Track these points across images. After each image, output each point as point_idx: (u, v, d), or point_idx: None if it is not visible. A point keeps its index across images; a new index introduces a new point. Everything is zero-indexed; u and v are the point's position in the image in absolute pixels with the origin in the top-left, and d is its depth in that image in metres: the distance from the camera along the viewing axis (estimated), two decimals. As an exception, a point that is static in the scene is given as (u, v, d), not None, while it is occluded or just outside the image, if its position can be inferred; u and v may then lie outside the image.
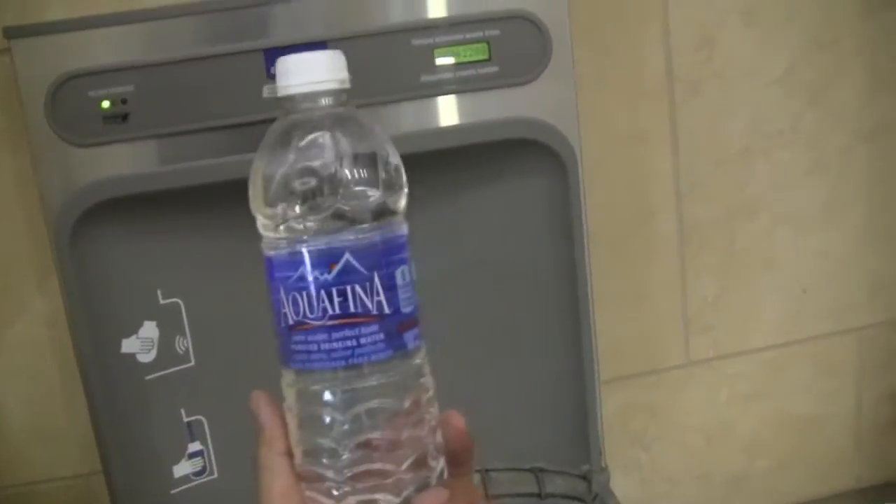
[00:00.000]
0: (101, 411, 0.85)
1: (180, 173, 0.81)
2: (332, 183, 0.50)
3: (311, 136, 0.52)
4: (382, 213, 0.52)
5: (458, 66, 0.83)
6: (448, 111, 0.85)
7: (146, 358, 0.88)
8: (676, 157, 1.05)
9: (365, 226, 0.50)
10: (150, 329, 0.87)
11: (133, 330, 0.87)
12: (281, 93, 0.54)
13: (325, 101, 0.53)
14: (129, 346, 0.87)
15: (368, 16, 0.83)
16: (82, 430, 0.97)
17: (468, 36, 0.83)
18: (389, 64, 0.82)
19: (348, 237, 0.50)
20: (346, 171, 0.51)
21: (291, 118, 0.53)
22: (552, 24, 0.84)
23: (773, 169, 1.08)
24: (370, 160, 0.52)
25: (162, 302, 0.88)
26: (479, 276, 0.93)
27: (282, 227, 0.51)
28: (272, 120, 0.81)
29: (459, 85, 0.84)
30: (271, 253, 0.52)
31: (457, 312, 0.93)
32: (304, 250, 0.50)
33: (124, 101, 0.80)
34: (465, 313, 0.93)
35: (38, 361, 0.98)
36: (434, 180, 0.88)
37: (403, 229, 0.53)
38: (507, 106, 0.85)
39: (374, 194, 0.51)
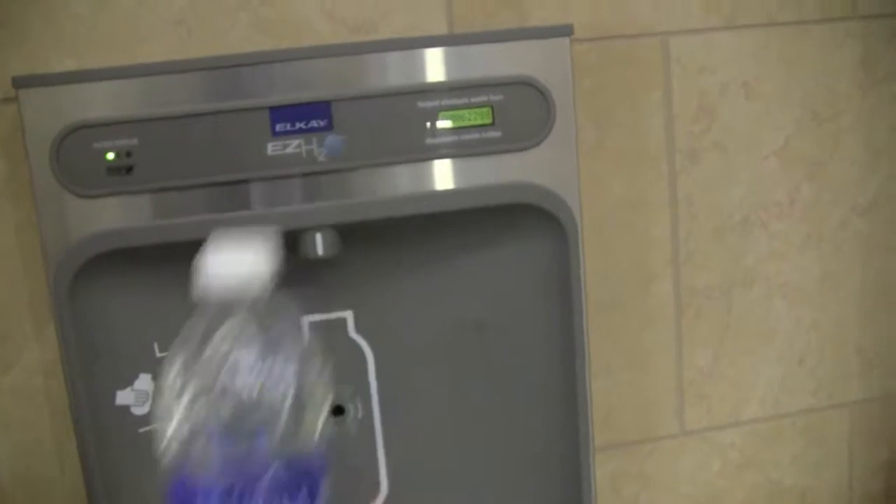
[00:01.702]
0: (93, 461, 0.82)
1: (182, 227, 0.79)
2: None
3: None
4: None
5: (461, 129, 0.82)
6: (450, 174, 0.83)
7: (140, 411, 0.85)
8: (675, 225, 1.03)
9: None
10: (145, 382, 0.85)
11: (128, 382, 0.85)
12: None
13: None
14: (123, 398, 0.85)
15: (374, 76, 0.81)
16: (72, 480, 0.95)
17: (473, 100, 0.82)
18: (394, 125, 0.81)
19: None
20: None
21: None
22: (556, 90, 0.83)
23: (771, 240, 1.06)
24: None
25: (158, 355, 0.86)
26: (474, 340, 0.90)
27: None
28: (276, 178, 0.81)
29: (462, 149, 0.82)
30: None
31: (451, 375, 0.91)
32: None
33: (129, 154, 0.78)
34: (460, 375, 0.91)
35: (31, 410, 0.95)
36: (433, 243, 0.88)
37: None
38: (508, 170, 0.84)
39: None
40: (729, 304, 1.07)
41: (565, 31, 0.84)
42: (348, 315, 0.90)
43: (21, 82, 0.77)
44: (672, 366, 1.07)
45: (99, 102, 0.78)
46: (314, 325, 0.89)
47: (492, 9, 0.95)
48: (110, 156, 0.78)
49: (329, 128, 0.80)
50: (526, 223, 0.86)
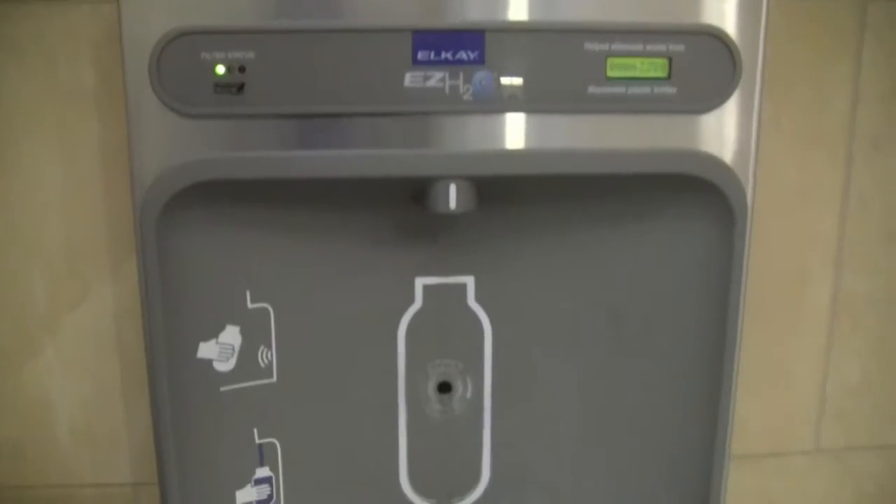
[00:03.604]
0: (166, 418, 0.70)
1: (296, 162, 0.66)
2: None
3: None
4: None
5: (631, 81, 0.68)
6: (611, 131, 0.68)
7: (224, 367, 0.73)
8: (843, 222, 0.88)
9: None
10: (232, 334, 0.72)
11: (213, 333, 0.72)
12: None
13: None
14: (206, 350, 0.72)
15: (537, 8, 0.66)
16: (137, 437, 0.85)
17: (649, 48, 0.67)
18: (554, 68, 0.66)
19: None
20: None
21: None
22: (744, 48, 0.68)
23: (947, 250, 0.91)
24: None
25: (250, 306, 0.73)
26: (607, 325, 0.77)
27: None
28: (410, 114, 0.67)
29: (629, 104, 0.68)
30: None
31: (576, 360, 0.79)
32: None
33: (242, 69, 0.64)
34: (585, 362, 0.78)
35: (97, 356, 0.83)
36: (575, 209, 0.74)
37: None
38: (678, 134, 0.69)
39: None
40: (889, 316, 0.92)
41: (764, -24, 0.68)
42: (469, 281, 0.77)
43: (124, -27, 0.63)
44: (816, 377, 0.93)
45: (212, 6, 0.64)
46: (428, 289, 0.76)
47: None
48: (220, 70, 0.64)
49: (480, 62, 0.66)
50: (687, 199, 0.71)
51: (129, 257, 0.80)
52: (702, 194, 0.70)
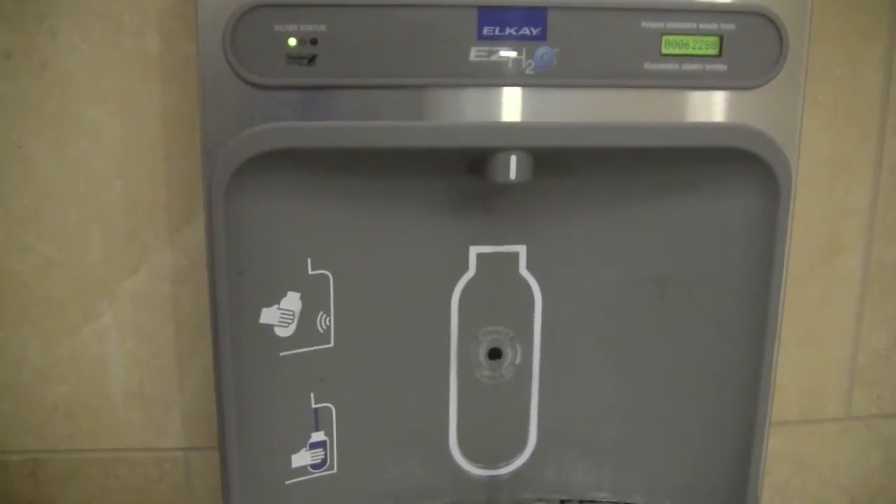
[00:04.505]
0: (229, 382, 0.71)
1: (366, 132, 0.67)
2: None
3: None
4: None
5: (684, 57, 0.70)
6: (666, 106, 0.71)
7: (284, 332, 0.74)
8: (875, 193, 0.90)
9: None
10: (293, 300, 0.74)
11: (276, 300, 0.73)
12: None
13: None
14: (268, 316, 0.73)
15: (596, -15, 0.68)
16: (189, 401, 0.86)
17: (701, 26, 0.69)
18: (613, 44, 0.68)
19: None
20: None
21: None
22: (791, 27, 0.70)
23: (974, 221, 0.93)
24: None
25: (311, 272, 0.75)
26: (654, 293, 0.79)
27: None
28: (476, 86, 0.69)
29: (683, 80, 0.70)
30: None
31: (623, 328, 0.81)
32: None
33: (314, 42, 0.66)
34: (632, 330, 0.80)
35: (153, 320, 0.84)
36: (625, 181, 0.76)
37: None
38: (728, 109, 0.71)
39: None
40: (919, 286, 0.94)
41: (811, -41, 0.70)
42: (521, 250, 0.79)
43: (201, -52, 0.64)
44: (848, 345, 0.95)
45: (286, -20, 0.65)
46: (482, 257, 0.78)
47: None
48: (292, 42, 0.66)
49: (542, 38, 0.68)
50: (734, 172, 0.74)
51: (187, 223, 0.81)
52: (748, 167, 0.72)
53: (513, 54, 0.68)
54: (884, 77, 0.88)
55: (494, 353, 0.80)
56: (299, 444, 0.78)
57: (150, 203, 0.81)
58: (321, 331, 0.76)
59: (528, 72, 0.68)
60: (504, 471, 0.84)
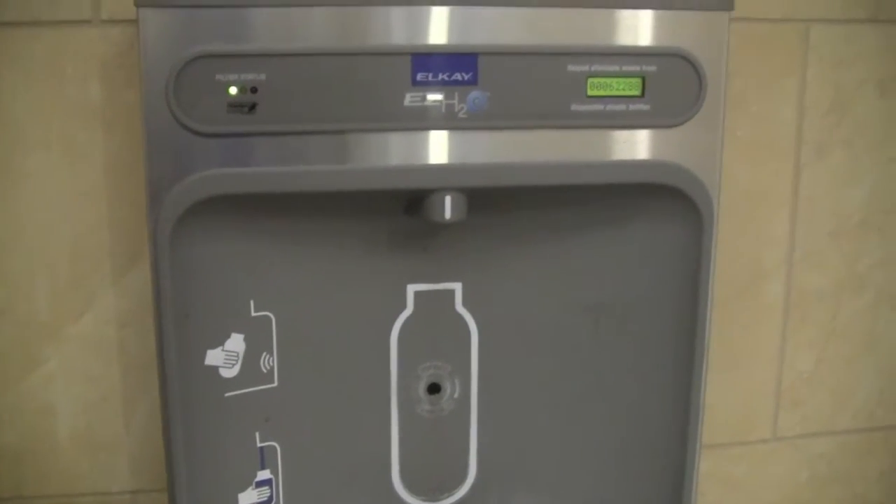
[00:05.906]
0: (177, 424, 0.72)
1: (306, 176, 0.69)
2: None
3: None
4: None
5: (609, 98, 0.73)
6: (591, 145, 0.74)
7: (229, 373, 0.75)
8: (794, 223, 0.94)
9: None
10: (237, 342, 0.75)
11: (220, 341, 0.75)
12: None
13: None
14: (213, 357, 0.75)
15: (524, 32, 0.71)
16: (135, 444, 0.86)
17: (625, 68, 0.73)
18: (541, 87, 0.71)
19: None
20: None
21: None
22: (709, 67, 0.74)
23: (887, 246, 0.98)
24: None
25: (254, 314, 0.76)
26: (587, 324, 0.82)
27: None
28: (410, 130, 0.71)
29: (608, 119, 0.73)
30: None
31: (558, 359, 0.83)
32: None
33: (254, 90, 0.68)
34: (568, 361, 0.83)
35: (99, 362, 0.85)
36: (556, 216, 0.78)
37: None
38: (651, 147, 0.74)
39: None
40: (836, 310, 0.98)
41: (726, 4, 0.74)
42: (457, 287, 0.81)
43: (144, 0, 0.66)
44: (773, 368, 0.99)
45: (226, 31, 0.67)
46: (420, 295, 0.80)
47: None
48: (233, 90, 0.67)
49: (474, 82, 0.70)
50: (659, 205, 0.77)
51: (132, 267, 0.82)
52: (673, 201, 0.75)
53: (446, 99, 0.70)
54: (797, 111, 0.92)
55: (434, 388, 0.82)
56: (246, 482, 0.78)
57: (94, 249, 0.82)
58: (265, 371, 0.77)
59: (460, 115, 0.70)
60: (446, 502, 0.85)
